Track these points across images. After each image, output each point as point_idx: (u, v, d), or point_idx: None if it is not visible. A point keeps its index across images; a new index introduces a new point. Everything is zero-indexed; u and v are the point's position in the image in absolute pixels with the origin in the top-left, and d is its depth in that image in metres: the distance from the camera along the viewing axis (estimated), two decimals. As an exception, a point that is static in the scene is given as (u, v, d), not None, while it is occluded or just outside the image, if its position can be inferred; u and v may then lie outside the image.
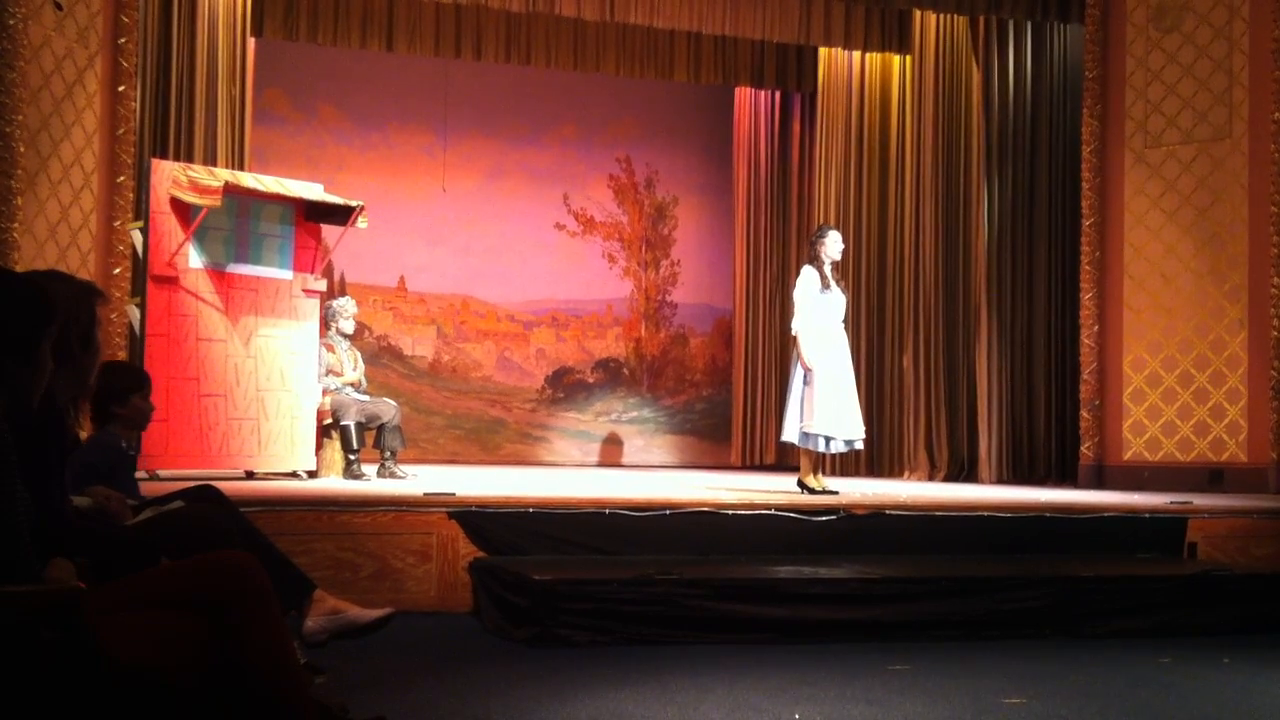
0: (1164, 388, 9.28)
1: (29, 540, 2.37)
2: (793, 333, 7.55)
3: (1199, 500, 7.32)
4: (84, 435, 4.01)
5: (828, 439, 7.43)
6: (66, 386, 2.85)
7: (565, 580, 4.93)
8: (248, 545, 3.62)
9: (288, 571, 4.06)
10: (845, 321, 7.68)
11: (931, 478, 10.57)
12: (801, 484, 7.50)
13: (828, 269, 7.55)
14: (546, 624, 4.79)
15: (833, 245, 7.61)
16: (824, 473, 7.86)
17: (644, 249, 13.31)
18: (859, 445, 7.72)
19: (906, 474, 10.86)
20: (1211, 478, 8.89)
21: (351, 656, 4.18)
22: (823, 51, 12.00)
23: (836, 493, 7.36)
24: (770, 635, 5.01)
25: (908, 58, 11.39)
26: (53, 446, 2.71)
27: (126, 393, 4.62)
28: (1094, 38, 9.68)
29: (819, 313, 7.45)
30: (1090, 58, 9.70)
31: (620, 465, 12.81)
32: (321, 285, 8.20)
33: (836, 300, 7.54)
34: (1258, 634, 5.52)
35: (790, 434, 7.51)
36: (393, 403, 8.43)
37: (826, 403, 7.39)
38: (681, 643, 4.85)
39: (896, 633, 5.15)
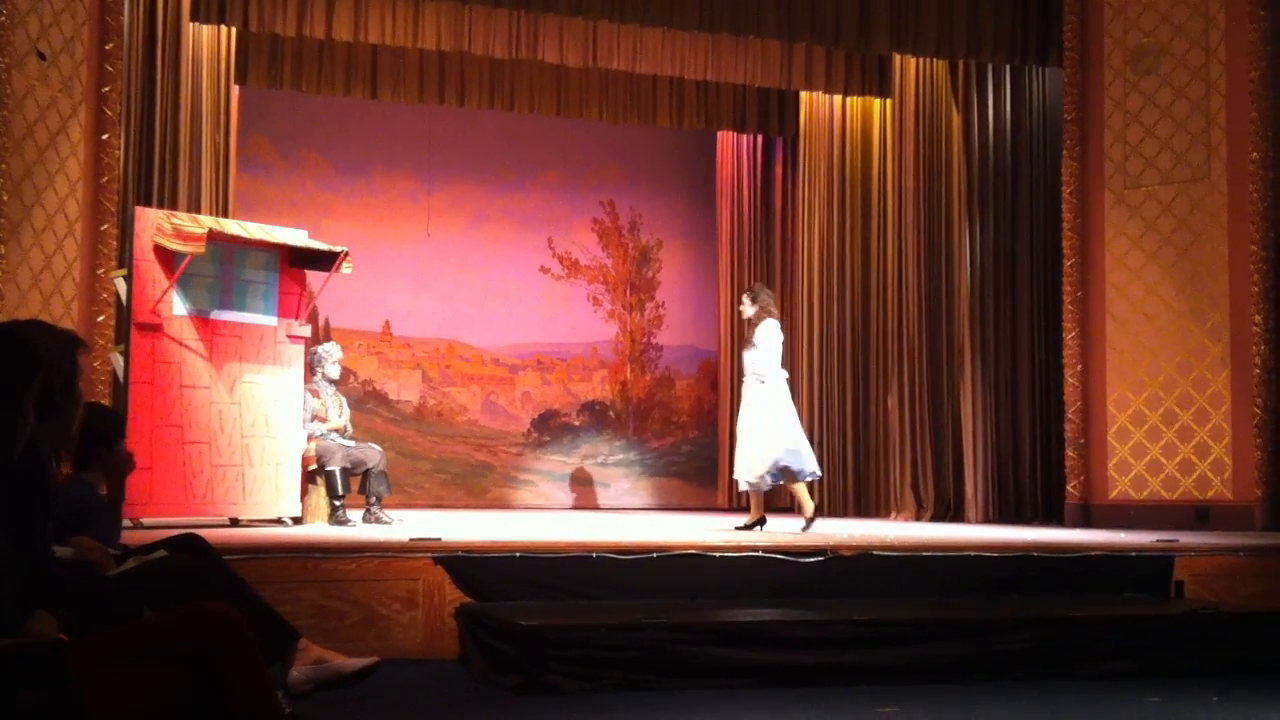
0: (1148, 426, 9.30)
1: (10, 592, 2.36)
2: (761, 381, 8.11)
3: (1185, 538, 7.31)
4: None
5: (774, 475, 8.00)
6: (49, 437, 2.83)
7: (552, 626, 4.90)
8: (231, 595, 3.60)
9: (272, 621, 4.03)
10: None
11: (918, 518, 10.55)
12: (756, 524, 8.01)
13: None
14: (533, 671, 4.76)
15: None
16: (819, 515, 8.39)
17: (629, 292, 13.34)
18: (815, 475, 8.22)
19: (893, 515, 10.85)
20: (1197, 516, 8.90)
21: (337, 706, 4.14)
22: (804, 96, 12.09)
23: (765, 520, 7.95)
24: (759, 679, 4.98)
25: (888, 101, 11.48)
26: (35, 498, 2.69)
27: (112, 437, 4.56)
28: (1072, 81, 9.77)
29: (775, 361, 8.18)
30: (1069, 100, 9.78)
31: (607, 508, 12.77)
32: (306, 331, 8.20)
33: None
34: (1247, 673, 5.49)
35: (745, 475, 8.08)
36: (378, 448, 8.40)
37: (775, 441, 7.96)
38: (670, 688, 4.82)
39: (885, 676, 5.12)
